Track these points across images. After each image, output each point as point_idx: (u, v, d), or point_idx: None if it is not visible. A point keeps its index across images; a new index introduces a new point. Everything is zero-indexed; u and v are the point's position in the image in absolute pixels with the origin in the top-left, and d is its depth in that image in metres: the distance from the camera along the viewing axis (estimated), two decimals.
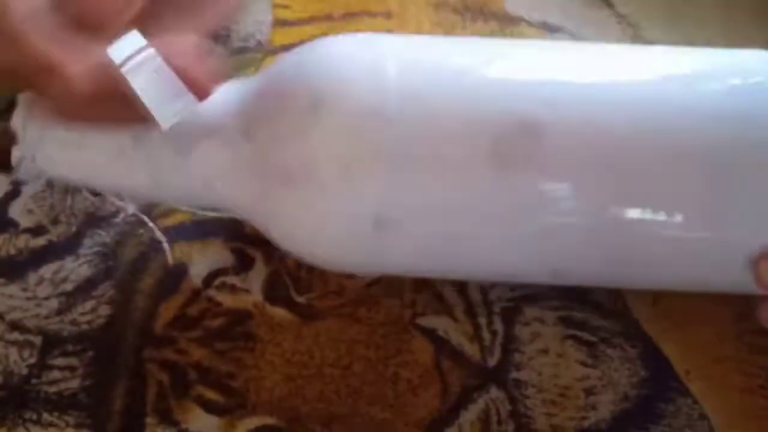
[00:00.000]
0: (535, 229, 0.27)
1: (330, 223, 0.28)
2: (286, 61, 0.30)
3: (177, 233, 0.35)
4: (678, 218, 0.27)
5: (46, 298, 0.33)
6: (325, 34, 0.32)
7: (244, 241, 0.34)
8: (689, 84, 0.28)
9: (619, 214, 0.27)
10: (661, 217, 0.27)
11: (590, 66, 0.29)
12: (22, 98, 0.29)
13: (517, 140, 0.27)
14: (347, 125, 0.27)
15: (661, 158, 0.27)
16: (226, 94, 0.29)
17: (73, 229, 0.35)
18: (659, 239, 0.27)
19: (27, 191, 0.36)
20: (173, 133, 0.27)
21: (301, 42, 0.30)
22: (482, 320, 0.32)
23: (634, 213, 0.27)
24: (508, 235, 0.28)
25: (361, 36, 0.29)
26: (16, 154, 0.29)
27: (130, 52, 0.24)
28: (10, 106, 0.29)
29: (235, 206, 0.30)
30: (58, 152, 0.29)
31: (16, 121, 0.29)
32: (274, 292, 0.33)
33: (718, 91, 0.28)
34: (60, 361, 0.32)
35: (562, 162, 0.27)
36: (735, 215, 0.27)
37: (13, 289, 0.33)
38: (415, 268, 0.31)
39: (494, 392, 0.31)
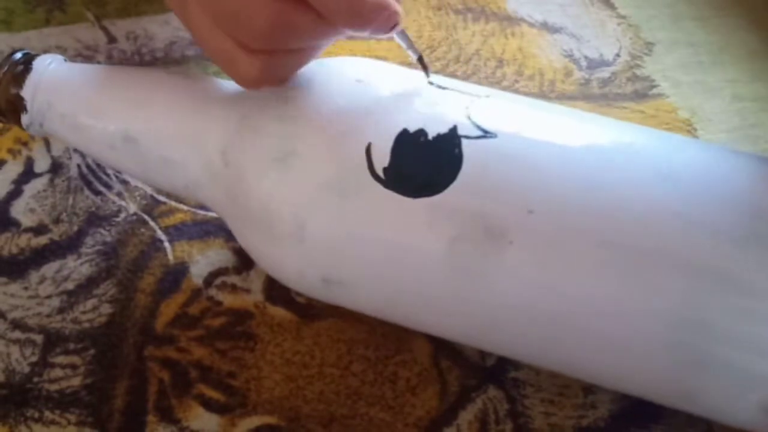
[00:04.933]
0: (481, 328, 0.27)
1: (282, 266, 0.28)
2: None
3: (178, 232, 0.35)
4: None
5: (48, 297, 0.33)
6: None
7: None
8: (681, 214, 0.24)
9: (573, 353, 0.26)
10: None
11: (574, 162, 0.25)
12: (36, 65, 0.30)
13: (477, 246, 0.24)
14: (308, 189, 0.26)
15: (626, 315, 0.24)
16: (211, 108, 0.29)
17: (75, 228, 0.35)
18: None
19: (29, 191, 0.36)
20: (156, 139, 0.28)
21: None
22: None
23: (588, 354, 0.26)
24: (451, 325, 0.27)
25: (342, 101, 0.27)
26: (24, 120, 0.30)
27: None
28: (25, 71, 0.29)
29: (213, 210, 0.31)
30: (59, 127, 0.30)
31: (27, 90, 0.29)
32: (274, 292, 0.33)
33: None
34: (61, 360, 0.32)
35: (520, 280, 0.25)
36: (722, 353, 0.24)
37: (15, 287, 0.33)
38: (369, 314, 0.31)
39: (492, 392, 0.31)
